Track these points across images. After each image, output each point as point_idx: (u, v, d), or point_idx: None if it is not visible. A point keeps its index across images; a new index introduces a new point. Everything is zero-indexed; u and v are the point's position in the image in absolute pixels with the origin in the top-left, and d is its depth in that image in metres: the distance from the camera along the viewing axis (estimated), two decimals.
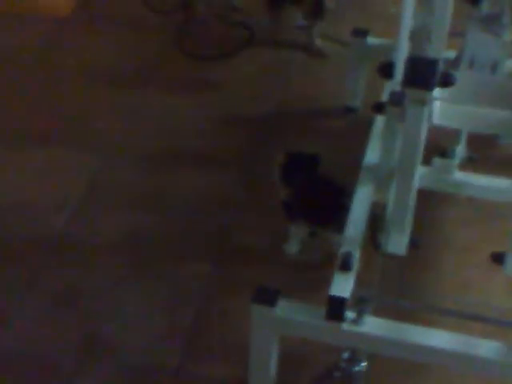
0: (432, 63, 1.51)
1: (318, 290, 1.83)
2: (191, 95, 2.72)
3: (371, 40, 2.60)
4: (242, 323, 1.84)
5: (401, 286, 2.03)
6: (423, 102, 1.57)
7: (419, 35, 1.92)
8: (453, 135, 2.07)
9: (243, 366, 1.82)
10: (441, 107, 1.77)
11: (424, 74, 1.49)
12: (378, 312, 1.74)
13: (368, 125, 2.22)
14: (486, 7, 2.27)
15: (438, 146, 2.03)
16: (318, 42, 2.96)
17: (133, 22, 3.06)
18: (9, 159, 2.45)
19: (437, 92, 1.54)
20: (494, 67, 1.84)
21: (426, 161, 1.90)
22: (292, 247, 2.16)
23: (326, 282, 1.73)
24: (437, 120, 1.78)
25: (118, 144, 2.52)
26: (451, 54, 1.97)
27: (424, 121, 1.62)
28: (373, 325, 1.73)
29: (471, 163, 2.13)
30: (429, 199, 1.86)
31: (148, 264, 2.15)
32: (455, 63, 1.89)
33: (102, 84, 2.75)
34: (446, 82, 1.50)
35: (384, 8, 3.09)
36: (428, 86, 1.50)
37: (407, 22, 1.48)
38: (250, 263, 2.16)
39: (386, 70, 1.51)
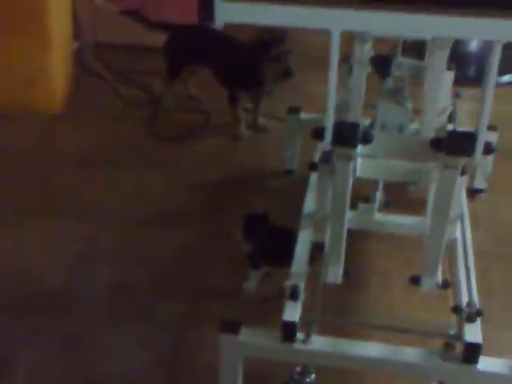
0: (354, 126, 1.51)
1: (272, 317, 1.77)
2: (162, 168, 2.74)
3: (303, 115, 2.64)
4: (211, 350, 1.80)
5: (338, 309, 2.05)
6: (349, 158, 1.56)
7: (342, 107, 1.94)
8: (371, 184, 2.08)
9: None
10: (361, 163, 1.77)
11: (348, 134, 1.49)
12: (322, 331, 1.73)
13: (304, 182, 2.23)
14: (391, 83, 2.31)
15: (361, 194, 2.05)
16: (261, 120, 2.97)
17: (115, 113, 3.08)
18: (20, 227, 2.42)
19: (359, 149, 1.53)
20: (401, 129, 1.86)
21: (352, 206, 1.88)
22: (251, 285, 2.13)
23: (279, 310, 1.71)
24: (358, 173, 1.77)
25: (106, 213, 2.51)
26: (366, 121, 2.03)
27: (350, 174, 1.61)
28: (318, 342, 1.71)
29: (387, 206, 2.14)
30: (356, 237, 1.84)
31: (132, 309, 2.11)
32: (370, 127, 1.91)
33: (89, 166, 2.74)
34: (366, 139, 1.50)
35: (311, 90, 3.12)
36: (352, 144, 1.50)
37: (332, 97, 1.47)
38: (215, 301, 2.14)
39: (319, 134, 1.50)
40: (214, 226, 2.44)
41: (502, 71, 3.40)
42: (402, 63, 2.23)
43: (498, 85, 3.32)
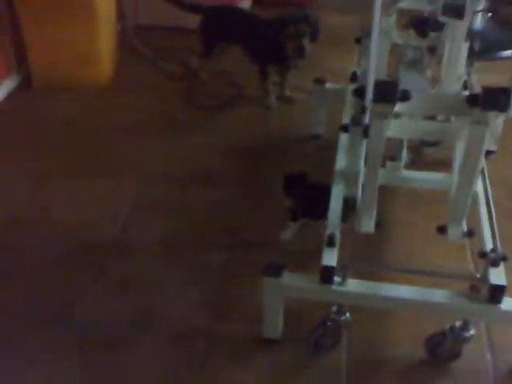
0: (393, 84, 1.42)
1: (310, 263, 1.71)
2: (201, 134, 2.67)
3: (328, 85, 2.55)
4: (255, 291, 1.77)
5: (367, 256, 1.99)
6: (386, 116, 1.48)
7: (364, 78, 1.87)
8: (397, 144, 2.00)
9: (259, 323, 1.75)
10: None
11: (388, 92, 1.41)
12: (356, 275, 1.68)
13: (330, 146, 2.17)
14: (411, 53, 2.22)
15: (388, 153, 1.95)
16: (289, 92, 2.90)
17: (156, 87, 3.02)
18: (72, 187, 2.37)
19: (398, 106, 1.45)
20: None
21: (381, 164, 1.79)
22: (288, 235, 2.07)
23: (316, 258, 1.66)
24: (387, 133, 1.68)
25: (151, 172, 2.45)
26: None
27: (385, 130, 1.53)
28: (353, 285, 1.67)
29: (412, 164, 2.06)
30: (382, 192, 1.76)
31: (180, 256, 2.06)
32: None
33: (138, 133, 2.68)
34: (405, 97, 1.41)
35: (332, 65, 3.04)
36: (392, 101, 1.42)
37: (374, 56, 1.39)
38: (255, 250, 2.08)
39: (360, 93, 1.42)
40: (252, 184, 2.38)
41: (503, 46, 3.32)
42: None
43: (500, 58, 3.27)
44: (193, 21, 2.95)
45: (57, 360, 1.71)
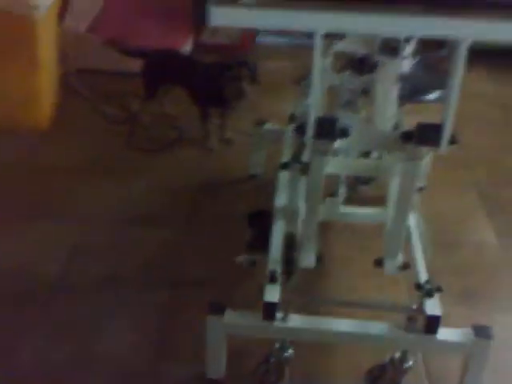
0: (333, 120, 1.40)
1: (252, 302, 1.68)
2: (142, 177, 2.60)
3: (267, 126, 2.54)
4: (198, 330, 1.68)
5: (307, 291, 1.94)
6: (326, 152, 1.46)
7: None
8: (334, 181, 1.98)
9: (202, 362, 1.68)
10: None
11: (328, 128, 1.38)
12: (298, 310, 1.63)
13: (266, 186, 2.16)
14: (346, 95, 2.23)
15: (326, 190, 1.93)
16: (228, 134, 2.86)
17: (97, 130, 2.92)
18: (11, 231, 2.26)
19: (337, 143, 1.43)
20: None
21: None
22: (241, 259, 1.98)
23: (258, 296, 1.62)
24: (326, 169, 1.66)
25: (92, 214, 2.37)
26: None
27: (325, 167, 1.51)
28: (295, 320, 1.62)
29: (349, 200, 2.04)
30: (322, 228, 1.74)
31: (122, 296, 1.98)
32: None
33: (78, 176, 2.58)
34: (343, 133, 1.39)
35: (271, 108, 3.04)
36: (332, 137, 1.39)
37: (316, 95, 1.37)
38: (198, 289, 2.01)
39: (301, 129, 1.39)
40: (192, 224, 2.32)
41: (430, 90, 3.39)
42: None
43: (426, 101, 3.33)
44: (134, 65, 2.89)
45: None
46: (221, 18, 1.24)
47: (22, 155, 2.69)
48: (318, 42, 1.30)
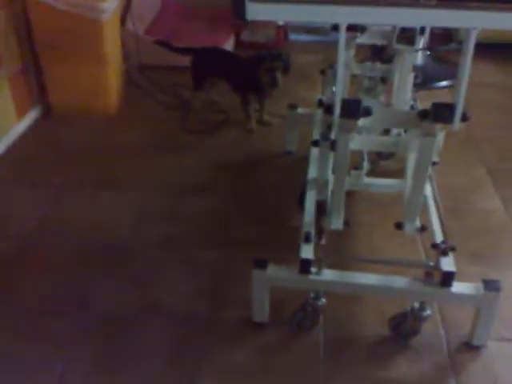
0: (357, 102, 1.37)
1: (290, 258, 1.65)
2: (194, 154, 2.59)
3: (299, 110, 2.51)
4: (245, 282, 1.70)
5: (337, 251, 1.92)
6: (350, 130, 1.43)
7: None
8: (358, 155, 1.95)
9: (248, 309, 1.69)
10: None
11: (353, 108, 1.35)
12: (330, 266, 1.62)
13: (300, 161, 2.11)
14: (367, 83, 2.19)
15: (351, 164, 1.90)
16: (266, 117, 2.83)
17: (156, 116, 2.92)
18: (87, 199, 2.29)
19: (361, 121, 1.39)
20: None
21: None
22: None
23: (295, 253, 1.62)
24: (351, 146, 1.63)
25: (152, 185, 2.37)
26: None
27: (349, 144, 1.48)
28: (328, 274, 1.62)
29: (372, 172, 2.01)
30: (348, 197, 1.70)
31: (180, 255, 1.98)
32: None
33: (140, 153, 2.60)
34: (367, 112, 1.36)
35: (302, 95, 2.99)
36: (356, 116, 1.36)
37: (341, 79, 1.34)
38: (244, 248, 2.00)
39: (329, 110, 1.36)
40: (238, 192, 2.31)
41: (440, 79, 3.30)
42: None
43: (437, 88, 3.25)
44: (185, 61, 2.89)
45: (78, 345, 1.63)
46: (256, 12, 1.21)
47: (93, 136, 2.73)
48: (342, 34, 1.27)
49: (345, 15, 1.24)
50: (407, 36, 1.55)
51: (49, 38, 2.69)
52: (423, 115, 1.37)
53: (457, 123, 1.33)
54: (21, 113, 2.76)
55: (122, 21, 3.10)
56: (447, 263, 1.56)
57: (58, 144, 2.66)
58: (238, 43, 3.73)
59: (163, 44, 3.02)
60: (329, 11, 1.22)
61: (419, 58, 3.32)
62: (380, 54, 1.89)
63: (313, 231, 1.68)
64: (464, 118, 1.34)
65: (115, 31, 2.93)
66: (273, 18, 1.26)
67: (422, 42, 2.01)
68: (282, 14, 1.26)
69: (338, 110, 1.35)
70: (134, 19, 3.20)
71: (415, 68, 2.11)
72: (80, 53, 2.73)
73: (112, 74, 2.88)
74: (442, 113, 1.33)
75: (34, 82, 2.84)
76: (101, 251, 1.98)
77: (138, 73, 3.22)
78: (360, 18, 1.26)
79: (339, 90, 1.36)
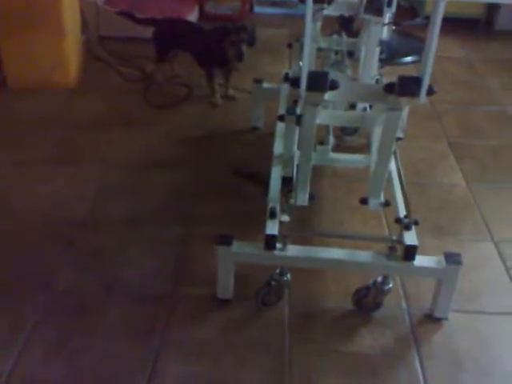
0: (324, 74, 1.34)
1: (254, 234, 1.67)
2: (156, 128, 2.52)
3: (265, 85, 2.47)
4: (209, 259, 1.68)
5: (303, 226, 1.92)
6: (317, 104, 1.41)
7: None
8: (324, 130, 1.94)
9: (213, 286, 1.67)
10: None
11: (320, 81, 1.33)
12: (295, 242, 1.62)
13: (266, 136, 2.09)
14: (333, 57, 2.17)
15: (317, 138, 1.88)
16: (231, 91, 2.78)
17: (116, 88, 2.84)
18: (46, 174, 2.21)
19: (327, 94, 1.37)
20: None
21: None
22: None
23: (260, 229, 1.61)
24: (317, 120, 1.61)
25: (113, 160, 2.31)
26: None
27: (316, 118, 1.46)
28: (292, 250, 1.61)
29: (337, 147, 1.99)
30: (313, 172, 1.69)
31: (142, 232, 1.94)
32: None
33: (101, 127, 2.52)
34: (333, 86, 1.33)
35: (267, 69, 2.95)
36: (323, 89, 1.34)
37: (307, 52, 1.31)
38: (209, 224, 1.98)
39: (295, 82, 1.33)
40: (200, 168, 2.27)
41: (405, 54, 3.30)
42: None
43: (402, 63, 3.26)
44: (147, 32, 2.80)
45: (40, 324, 1.59)
46: None
47: (52, 109, 2.64)
48: (309, 3, 1.23)
49: None
50: (375, 7, 1.52)
51: (4, 6, 2.56)
52: (389, 88, 1.35)
53: (423, 97, 1.32)
54: None
55: None
56: (410, 237, 1.57)
57: (13, 118, 2.56)
58: (202, 15, 3.65)
59: (126, 15, 2.93)
60: None
61: (385, 33, 3.33)
62: (347, 25, 1.86)
63: (278, 207, 1.66)
64: (430, 92, 1.33)
65: (74, 1, 2.82)
66: None
67: (388, 16, 1.99)
68: None
69: (304, 83, 1.32)
70: None
71: (381, 43, 2.10)
72: (37, 23, 2.62)
73: (71, 45, 2.78)
74: (408, 86, 1.32)
75: None
76: (61, 228, 1.93)
77: (98, 44, 3.12)
78: None
79: (306, 63, 1.34)
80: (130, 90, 2.80)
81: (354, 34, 1.95)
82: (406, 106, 1.41)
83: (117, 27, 3.12)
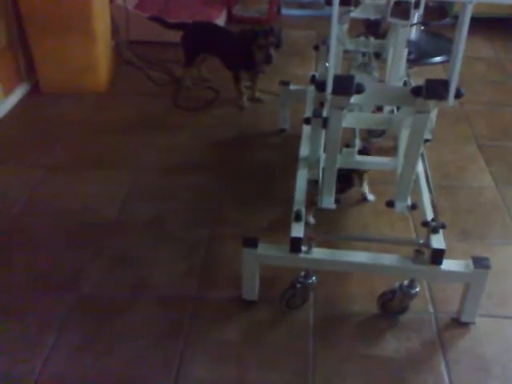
0: (350, 78, 1.33)
1: (280, 236, 1.65)
2: (186, 131, 2.54)
3: (291, 87, 2.45)
4: (235, 261, 1.68)
5: (328, 228, 1.90)
6: (343, 107, 1.40)
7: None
8: (351, 134, 1.92)
9: (239, 287, 1.68)
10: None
11: (346, 85, 1.32)
12: (320, 244, 1.60)
13: (293, 138, 2.08)
14: (360, 58, 2.14)
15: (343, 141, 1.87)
16: (258, 94, 2.79)
17: (146, 92, 2.87)
18: (78, 178, 2.24)
19: (353, 98, 1.36)
20: None
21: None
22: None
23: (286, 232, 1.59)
24: (343, 123, 1.60)
25: (144, 164, 2.33)
26: None
27: (341, 121, 1.45)
28: (317, 253, 1.60)
29: (364, 150, 1.96)
30: None
31: (170, 233, 1.95)
32: None
33: (131, 129, 2.55)
34: (359, 89, 1.32)
35: (294, 71, 2.93)
36: (349, 93, 1.33)
37: (333, 55, 1.30)
38: (233, 226, 1.98)
39: (321, 86, 1.32)
40: (229, 170, 2.28)
41: (434, 54, 3.26)
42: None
43: (431, 64, 3.21)
44: (176, 36, 2.82)
45: (67, 324, 1.61)
46: None
47: (84, 113, 2.68)
48: (336, 7, 1.22)
49: None
50: (401, 10, 1.50)
51: (36, 12, 2.62)
52: (417, 92, 1.34)
53: (451, 100, 1.30)
54: (8, 89, 2.71)
55: None
56: (437, 241, 1.55)
57: (46, 121, 2.61)
58: (230, 18, 3.67)
59: (157, 20, 2.96)
60: None
61: (413, 34, 3.29)
62: (374, 28, 1.84)
63: (303, 209, 1.66)
64: (458, 95, 1.30)
65: (104, 6, 2.86)
66: None
67: (416, 16, 1.96)
68: None
69: (330, 87, 1.32)
70: None
71: (409, 43, 2.07)
72: (68, 28, 2.67)
73: (101, 49, 2.82)
74: (435, 89, 1.30)
75: (22, 58, 2.78)
76: (90, 230, 1.95)
77: (128, 49, 3.16)
78: None
79: (332, 66, 1.33)
80: (159, 93, 2.83)
81: (380, 36, 1.93)
82: (433, 109, 1.39)
83: (146, 32, 3.17)
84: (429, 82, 1.30)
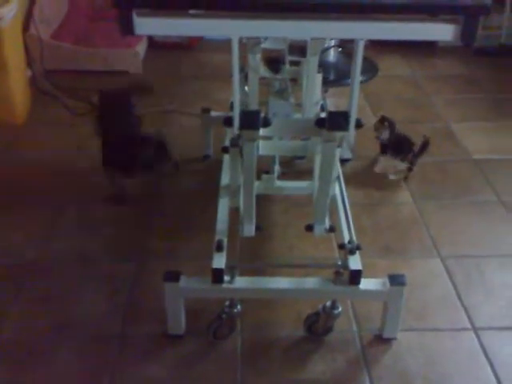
0: (256, 113, 1.41)
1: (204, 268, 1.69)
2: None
3: (213, 113, 2.53)
4: (159, 295, 1.70)
5: (252, 255, 1.97)
6: (253, 139, 1.47)
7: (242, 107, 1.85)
8: (270, 160, 2.00)
9: (164, 322, 1.70)
10: (261, 143, 1.68)
11: (252, 120, 1.39)
12: (245, 272, 1.67)
13: (218, 165, 2.13)
14: (278, 84, 2.24)
15: (262, 168, 1.96)
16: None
17: (62, 122, 2.87)
18: None
19: (261, 131, 1.43)
20: (288, 117, 1.79)
21: (257, 177, 1.80)
22: None
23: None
24: (260, 151, 1.69)
25: (62, 197, 2.31)
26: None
27: (255, 151, 1.52)
28: (240, 282, 1.65)
29: (283, 175, 2.06)
30: (260, 200, 1.76)
31: (92, 270, 1.97)
32: None
33: (48, 166, 2.53)
34: (266, 123, 1.40)
35: (217, 96, 3.01)
36: (255, 127, 1.40)
37: (237, 93, 1.37)
38: (158, 260, 2.01)
39: (229, 122, 1.39)
40: (153, 201, 2.29)
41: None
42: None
43: (350, 84, 3.36)
44: (93, 64, 2.85)
45: None
46: (145, 27, 1.22)
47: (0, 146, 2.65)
48: (235, 46, 1.30)
49: (236, 29, 1.27)
50: (299, 46, 1.61)
51: None
52: (320, 123, 1.43)
53: (352, 130, 1.40)
54: None
55: (26, 26, 3.01)
56: (354, 262, 1.64)
57: None
58: (152, 44, 3.70)
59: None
60: (218, 25, 1.25)
61: (331, 55, 3.45)
62: (274, 65, 1.94)
63: (225, 239, 1.71)
64: (358, 125, 1.40)
65: (17, 37, 2.84)
66: (163, 33, 1.27)
67: (324, 42, 2.07)
68: (171, 29, 1.27)
69: (237, 122, 1.39)
70: (37, 24, 3.11)
71: (327, 65, 2.19)
72: None
73: (15, 81, 2.79)
74: (337, 121, 1.40)
75: None
76: (8, 273, 1.93)
77: (44, 78, 3.14)
78: (250, 31, 1.29)
79: (236, 104, 1.40)
80: (78, 123, 2.81)
81: (278, 71, 2.03)
82: (339, 138, 1.49)
83: (62, 60, 3.17)
84: (331, 114, 1.40)
